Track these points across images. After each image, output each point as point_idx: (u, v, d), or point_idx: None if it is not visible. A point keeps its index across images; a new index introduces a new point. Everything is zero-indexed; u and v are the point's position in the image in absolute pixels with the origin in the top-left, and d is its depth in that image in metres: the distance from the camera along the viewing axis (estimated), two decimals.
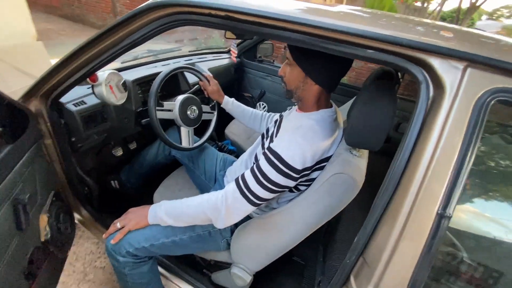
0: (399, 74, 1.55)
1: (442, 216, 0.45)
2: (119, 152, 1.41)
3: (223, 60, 1.95)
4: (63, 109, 0.98)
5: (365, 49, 0.51)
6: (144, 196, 1.50)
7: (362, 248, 0.56)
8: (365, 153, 0.81)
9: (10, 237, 0.70)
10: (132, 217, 0.84)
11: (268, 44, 2.11)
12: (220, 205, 0.75)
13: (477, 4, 12.40)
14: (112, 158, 1.41)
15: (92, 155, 1.31)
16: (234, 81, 2.11)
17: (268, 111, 2.15)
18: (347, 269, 0.59)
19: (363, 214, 0.71)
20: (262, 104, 2.17)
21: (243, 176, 0.76)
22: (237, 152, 1.71)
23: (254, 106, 2.18)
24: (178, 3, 0.63)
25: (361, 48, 0.51)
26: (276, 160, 0.71)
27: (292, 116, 0.89)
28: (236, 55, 1.92)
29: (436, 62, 0.46)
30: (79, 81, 0.85)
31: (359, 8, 0.63)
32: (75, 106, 0.99)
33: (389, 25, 0.51)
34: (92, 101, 1.04)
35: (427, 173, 0.46)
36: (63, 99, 0.96)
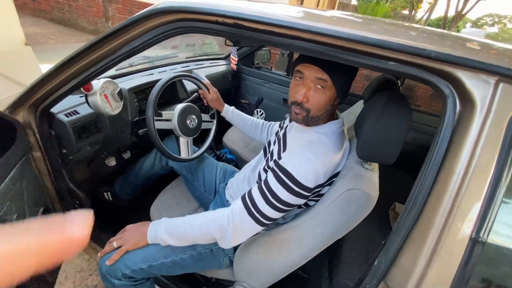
0: (399, 82, 1.54)
1: (476, 241, 0.41)
2: (112, 162, 1.34)
3: (220, 67, 1.92)
4: (54, 120, 0.92)
5: (387, 61, 0.48)
6: (139, 208, 1.43)
7: (384, 272, 0.52)
8: (376, 166, 0.78)
9: None
10: (130, 236, 0.78)
11: (265, 50, 2.09)
12: (226, 225, 0.70)
13: (463, 12, 12.86)
14: (104, 169, 1.34)
15: (84, 166, 1.24)
16: (231, 88, 2.08)
17: (265, 118, 2.13)
18: None
19: (369, 227, 0.68)
20: (260, 111, 2.14)
21: (250, 194, 0.71)
22: (236, 161, 1.66)
23: (251, 113, 2.14)
24: (183, 10, 0.59)
25: (383, 60, 0.48)
26: (287, 179, 0.67)
27: (297, 130, 0.84)
28: (236, 63, 1.88)
29: (464, 76, 0.44)
30: (72, 91, 0.80)
31: (376, 18, 0.60)
32: (67, 116, 0.93)
33: (409, 36, 0.49)
34: (85, 110, 0.98)
35: (458, 194, 0.43)
36: (53, 109, 0.90)
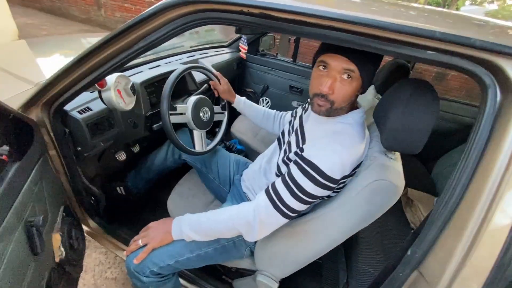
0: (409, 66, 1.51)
1: None
2: (122, 156, 1.33)
3: (225, 55, 1.87)
4: (67, 117, 0.90)
5: (425, 50, 0.47)
6: (153, 201, 1.44)
7: (418, 262, 0.53)
8: (398, 155, 0.78)
9: (26, 265, 0.64)
10: (155, 234, 0.78)
11: (269, 36, 2.03)
12: (252, 220, 0.70)
13: None
14: (115, 163, 1.33)
15: (94, 162, 1.23)
16: (236, 76, 2.04)
17: (271, 107, 2.11)
18: (398, 282, 0.57)
19: (384, 214, 0.69)
20: (266, 99, 2.11)
21: (274, 188, 0.71)
22: (245, 151, 1.66)
23: (257, 102, 2.12)
24: (208, 0, 0.56)
25: (421, 50, 0.47)
26: (313, 171, 0.66)
27: (316, 121, 0.81)
28: (246, 51, 1.83)
29: (508, 65, 0.42)
30: (86, 87, 0.78)
31: (412, 5, 0.58)
32: (80, 113, 0.91)
33: (448, 23, 0.47)
34: (98, 106, 0.96)
35: (501, 185, 0.43)
36: (66, 107, 0.88)
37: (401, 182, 0.67)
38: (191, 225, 0.76)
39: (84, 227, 1.14)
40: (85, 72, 0.73)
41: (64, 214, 0.88)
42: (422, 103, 0.62)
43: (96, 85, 0.83)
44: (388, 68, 1.31)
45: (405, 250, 0.58)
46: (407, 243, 0.60)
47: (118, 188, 1.38)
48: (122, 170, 1.39)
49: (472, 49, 0.44)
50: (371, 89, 1.46)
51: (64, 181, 0.98)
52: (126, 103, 0.94)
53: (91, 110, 0.94)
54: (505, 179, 0.43)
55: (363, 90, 0.74)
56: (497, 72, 0.44)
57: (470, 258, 0.46)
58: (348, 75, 0.66)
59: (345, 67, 0.65)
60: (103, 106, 0.97)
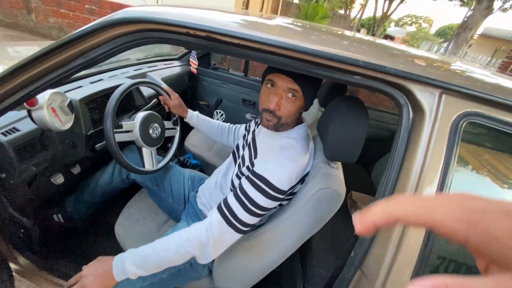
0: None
1: None
2: (59, 179, 1.18)
3: (175, 68, 1.84)
4: None
5: (352, 75, 0.54)
6: (98, 226, 1.31)
7: (360, 262, 0.59)
8: (339, 164, 0.86)
9: None
10: (93, 283, 0.66)
11: None
12: (206, 240, 0.69)
13: (388, 14, 14.56)
14: (51, 188, 1.18)
15: (23, 187, 1.08)
16: (188, 89, 2.01)
17: (225, 119, 2.13)
18: (345, 283, 0.62)
19: (333, 218, 0.76)
20: (220, 112, 2.12)
21: (227, 204, 0.72)
22: (200, 165, 1.63)
23: (211, 115, 2.11)
24: (152, 20, 0.56)
25: (349, 74, 0.54)
26: (263, 184, 0.69)
27: (266, 136, 0.86)
28: (196, 66, 1.81)
29: (415, 89, 0.52)
30: (12, 107, 0.69)
31: (345, 33, 0.66)
32: (5, 135, 0.80)
33: (370, 53, 0.55)
34: (27, 127, 0.85)
35: (419, 182, 0.51)
36: None
37: (342, 189, 0.74)
38: (136, 262, 0.67)
39: (12, 266, 0.98)
40: (12, 89, 0.65)
41: None
42: (355, 119, 0.70)
43: (25, 104, 0.74)
44: (329, 84, 1.44)
45: (349, 252, 0.64)
46: (351, 245, 0.66)
47: (55, 216, 1.22)
48: (60, 195, 1.24)
49: (388, 75, 0.52)
50: (315, 103, 1.58)
51: None
52: (63, 122, 0.86)
53: (18, 131, 0.83)
54: (421, 179, 0.51)
55: (306, 108, 0.81)
56: (408, 94, 0.53)
57: (400, 253, 0.53)
58: (293, 94, 0.72)
59: (289, 86, 0.71)
60: (34, 126, 0.86)
